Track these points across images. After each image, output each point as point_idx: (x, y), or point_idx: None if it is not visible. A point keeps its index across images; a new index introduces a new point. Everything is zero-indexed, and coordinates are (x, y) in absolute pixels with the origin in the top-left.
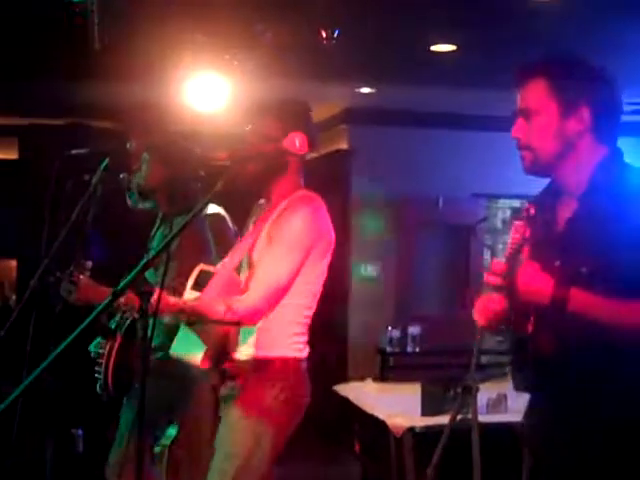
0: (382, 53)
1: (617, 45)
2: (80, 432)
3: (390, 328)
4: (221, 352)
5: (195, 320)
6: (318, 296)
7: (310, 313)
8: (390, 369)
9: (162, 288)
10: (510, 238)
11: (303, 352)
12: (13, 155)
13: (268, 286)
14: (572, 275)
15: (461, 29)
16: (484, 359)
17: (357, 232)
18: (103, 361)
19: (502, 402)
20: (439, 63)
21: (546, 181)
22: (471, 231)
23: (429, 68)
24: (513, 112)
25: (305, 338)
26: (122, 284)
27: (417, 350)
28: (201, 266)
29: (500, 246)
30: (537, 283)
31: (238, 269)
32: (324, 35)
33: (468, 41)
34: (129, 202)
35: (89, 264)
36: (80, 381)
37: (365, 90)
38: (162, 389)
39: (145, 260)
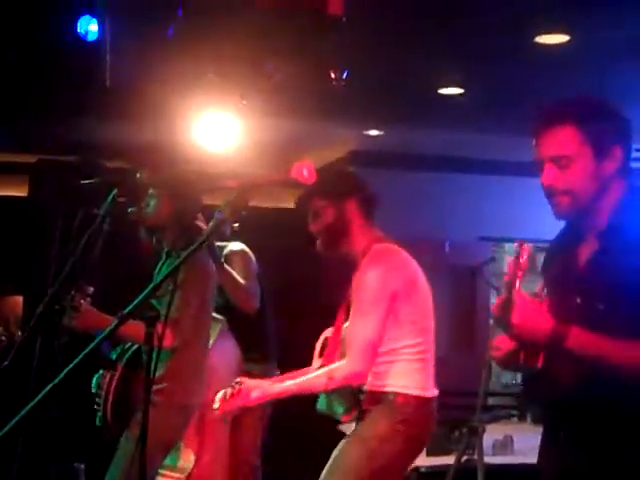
0: (390, 95)
1: (626, 89)
2: (82, 466)
3: None
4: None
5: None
6: (426, 332)
7: (419, 349)
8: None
9: (167, 319)
10: (505, 275)
11: (426, 391)
12: (23, 192)
13: (359, 347)
14: (589, 312)
15: (468, 73)
16: (490, 400)
17: None
18: (103, 393)
19: (508, 444)
20: (446, 106)
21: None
22: (477, 273)
23: (436, 111)
24: (538, 159)
25: (427, 376)
26: (127, 310)
27: None
28: (326, 333)
29: None
30: (533, 320)
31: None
32: (333, 76)
33: (475, 85)
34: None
35: (90, 289)
36: (83, 414)
37: (373, 132)
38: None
39: (150, 286)
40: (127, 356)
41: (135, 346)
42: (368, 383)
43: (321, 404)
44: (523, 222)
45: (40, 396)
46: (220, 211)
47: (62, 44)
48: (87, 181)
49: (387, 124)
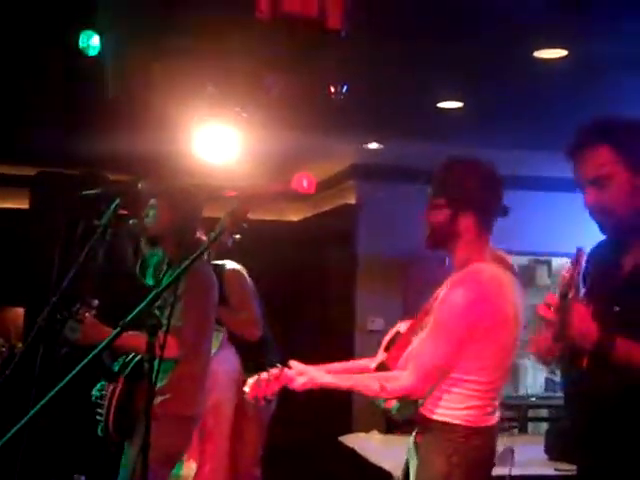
0: (389, 109)
1: (624, 103)
2: (83, 478)
3: None
4: None
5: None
6: (500, 370)
7: (486, 387)
8: (396, 421)
9: (168, 330)
10: (561, 278)
11: (478, 422)
12: (24, 205)
13: (424, 368)
14: (627, 321)
15: (467, 86)
16: None
17: (363, 286)
18: (105, 403)
19: (509, 456)
20: (446, 120)
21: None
22: None
23: (436, 125)
24: (577, 181)
25: (484, 409)
26: (129, 318)
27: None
28: (400, 327)
29: None
30: (586, 326)
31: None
32: (333, 90)
33: (474, 99)
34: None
35: (95, 302)
36: (84, 425)
37: (373, 146)
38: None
39: (151, 296)
40: (129, 368)
41: (137, 358)
42: (429, 409)
43: None
44: (522, 234)
45: (39, 405)
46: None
47: (63, 58)
48: (88, 192)
49: (387, 137)
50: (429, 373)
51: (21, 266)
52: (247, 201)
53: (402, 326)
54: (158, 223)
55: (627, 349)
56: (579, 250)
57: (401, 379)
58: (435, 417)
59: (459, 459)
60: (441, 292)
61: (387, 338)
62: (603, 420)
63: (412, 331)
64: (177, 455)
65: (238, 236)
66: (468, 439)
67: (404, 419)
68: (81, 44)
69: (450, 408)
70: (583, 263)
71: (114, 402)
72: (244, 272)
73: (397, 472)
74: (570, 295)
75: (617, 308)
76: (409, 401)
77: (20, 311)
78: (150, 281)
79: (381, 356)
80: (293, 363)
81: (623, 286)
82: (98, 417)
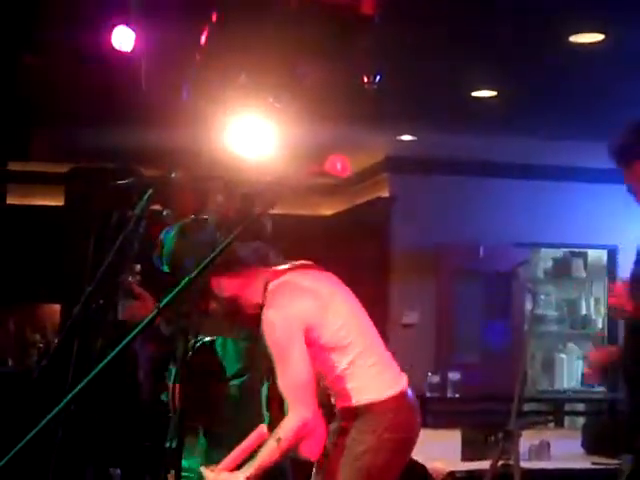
0: (422, 99)
1: None
2: (118, 472)
3: (430, 374)
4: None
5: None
6: (369, 327)
7: (372, 350)
8: (430, 414)
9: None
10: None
11: (394, 388)
12: (59, 202)
13: (293, 394)
14: None
15: (501, 74)
16: (526, 407)
17: (397, 279)
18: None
19: (545, 449)
20: (480, 109)
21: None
22: (513, 275)
23: (470, 115)
24: (627, 185)
25: (391, 373)
26: (165, 301)
27: (457, 396)
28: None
29: (542, 296)
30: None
31: None
32: (365, 80)
33: (509, 87)
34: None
35: (138, 267)
36: (120, 420)
37: (406, 137)
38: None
39: (187, 279)
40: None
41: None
42: (337, 403)
43: None
44: (557, 227)
45: (70, 395)
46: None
47: (98, 55)
48: (121, 182)
49: (420, 129)
50: (300, 394)
51: (57, 263)
52: (283, 182)
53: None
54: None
55: None
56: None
57: (286, 420)
58: (359, 404)
59: (390, 434)
60: None
61: (264, 400)
62: None
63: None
64: None
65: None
66: (396, 411)
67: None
68: (115, 41)
69: (363, 391)
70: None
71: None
72: None
73: (431, 464)
74: None
75: None
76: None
77: (56, 308)
78: (166, 269)
79: (267, 416)
80: (207, 474)
81: None
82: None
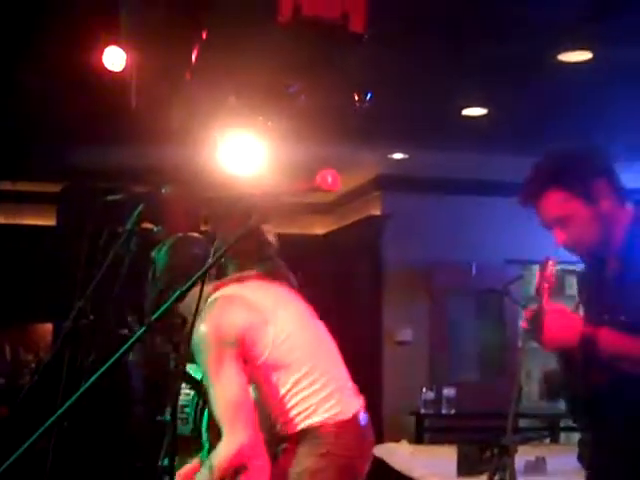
0: (413, 118)
1: None
2: None
3: (424, 390)
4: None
5: None
6: (317, 347)
7: (320, 371)
8: (425, 430)
9: (193, 323)
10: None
11: (344, 413)
12: (51, 221)
13: (226, 415)
14: (614, 325)
15: (491, 93)
16: (522, 423)
17: (390, 297)
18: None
19: (541, 465)
20: (471, 128)
21: None
22: (505, 292)
23: (461, 133)
24: (544, 225)
25: (340, 397)
26: (154, 317)
27: (452, 412)
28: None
29: None
30: (564, 327)
31: None
32: (357, 98)
33: (499, 105)
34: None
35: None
36: (112, 440)
37: (397, 156)
38: None
39: (177, 293)
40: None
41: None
42: (280, 428)
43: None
44: (550, 244)
45: (60, 411)
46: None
47: (89, 75)
48: (112, 197)
49: (411, 147)
50: (233, 415)
51: (49, 282)
52: (271, 199)
53: None
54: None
55: (611, 339)
56: (546, 259)
57: (220, 445)
58: (300, 427)
59: (330, 459)
60: None
61: (204, 422)
62: (602, 414)
63: None
64: None
65: None
66: (340, 436)
67: None
68: (106, 61)
69: (307, 414)
70: (552, 271)
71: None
72: None
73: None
74: (543, 300)
75: (606, 317)
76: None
77: (49, 327)
78: (159, 285)
79: (206, 440)
80: None
81: (607, 295)
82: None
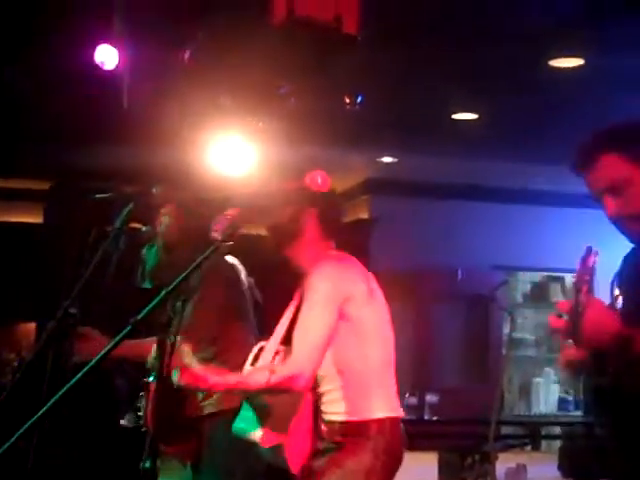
0: (403, 121)
1: None
2: None
3: (407, 396)
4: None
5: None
6: (390, 344)
7: (387, 362)
8: (407, 436)
9: (179, 324)
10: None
11: (397, 410)
12: (39, 219)
13: (306, 346)
14: None
15: (482, 97)
16: (504, 430)
17: None
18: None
19: (522, 472)
20: (461, 132)
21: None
22: (491, 297)
23: (451, 137)
24: (594, 195)
25: (394, 392)
26: (140, 316)
27: (434, 418)
28: (262, 344)
29: (520, 320)
30: (603, 323)
31: (285, 341)
32: (347, 101)
33: (489, 110)
34: (145, 259)
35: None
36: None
37: (387, 160)
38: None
39: (162, 294)
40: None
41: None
42: (340, 413)
43: (238, 425)
44: (536, 250)
45: (47, 406)
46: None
47: (80, 72)
48: (101, 196)
49: (401, 151)
50: (312, 351)
51: (34, 281)
52: (260, 198)
53: (266, 343)
54: (171, 230)
55: None
56: (589, 249)
57: (287, 363)
58: (363, 418)
59: (385, 458)
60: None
61: (251, 355)
62: (630, 429)
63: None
64: None
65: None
66: (392, 436)
67: (273, 463)
68: (98, 58)
69: (372, 406)
70: (594, 262)
71: (150, 406)
72: (240, 268)
73: None
74: (582, 293)
75: None
76: (278, 448)
77: (32, 326)
78: (148, 284)
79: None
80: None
81: None
82: (139, 412)
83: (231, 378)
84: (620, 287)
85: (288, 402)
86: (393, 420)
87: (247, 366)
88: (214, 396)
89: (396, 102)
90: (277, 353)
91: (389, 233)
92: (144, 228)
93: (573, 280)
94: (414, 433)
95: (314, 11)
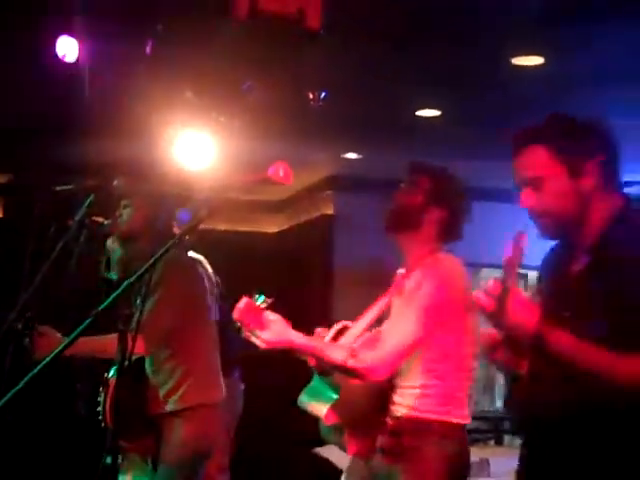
0: (367, 118)
1: (603, 111)
2: None
3: None
4: (356, 412)
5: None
6: (471, 358)
7: (467, 376)
8: None
9: (141, 313)
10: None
11: (466, 417)
12: None
13: (396, 343)
14: (577, 325)
15: (445, 94)
16: (467, 425)
17: (341, 295)
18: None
19: (485, 467)
20: (424, 129)
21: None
22: None
23: (414, 134)
24: (517, 183)
25: (464, 403)
26: (101, 308)
27: None
28: (345, 323)
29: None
30: (524, 314)
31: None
32: (311, 97)
33: (452, 107)
34: (110, 252)
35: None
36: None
37: (351, 156)
38: None
39: (123, 285)
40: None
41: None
42: (407, 406)
43: (306, 396)
44: (498, 248)
45: (6, 398)
46: (189, 210)
47: (40, 64)
48: (62, 187)
49: (364, 147)
50: (399, 349)
51: None
52: (223, 191)
53: (352, 323)
54: (133, 221)
55: (563, 341)
56: (519, 233)
57: (373, 353)
58: (431, 417)
59: (457, 460)
60: (407, 283)
61: (333, 331)
62: (541, 431)
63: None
64: (210, 447)
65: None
66: (462, 439)
67: (332, 442)
68: (59, 51)
69: (440, 405)
70: (524, 246)
71: (109, 402)
72: (203, 262)
73: None
74: (509, 281)
75: (567, 314)
76: (338, 427)
77: None
78: (114, 276)
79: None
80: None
81: (571, 291)
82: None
83: (313, 342)
84: (539, 282)
85: (360, 392)
86: (461, 426)
87: (326, 339)
88: (177, 394)
89: (360, 98)
90: (360, 337)
91: (353, 229)
92: (105, 221)
93: (503, 263)
94: None
95: (277, 5)
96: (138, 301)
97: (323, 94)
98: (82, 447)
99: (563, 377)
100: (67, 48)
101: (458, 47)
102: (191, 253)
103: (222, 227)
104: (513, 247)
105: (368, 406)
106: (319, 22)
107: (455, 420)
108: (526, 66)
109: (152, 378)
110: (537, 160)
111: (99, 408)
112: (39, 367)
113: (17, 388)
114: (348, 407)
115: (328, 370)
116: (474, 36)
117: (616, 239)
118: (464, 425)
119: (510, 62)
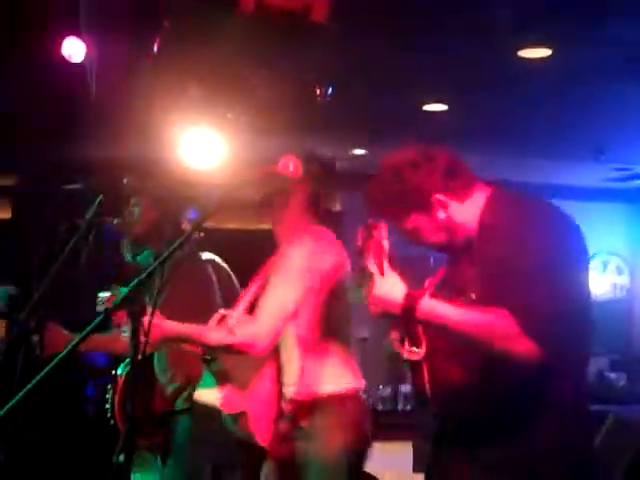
0: (374, 112)
1: (609, 102)
2: None
3: (381, 387)
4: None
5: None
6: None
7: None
8: (380, 427)
9: (153, 312)
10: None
11: (359, 380)
12: (6, 215)
13: (271, 314)
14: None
15: (452, 88)
16: None
17: None
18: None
19: None
20: (430, 124)
21: None
22: None
23: (421, 129)
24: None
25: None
26: (114, 303)
27: (408, 408)
28: (223, 312)
29: None
30: (388, 289)
31: (250, 310)
32: (318, 92)
33: (459, 101)
34: (125, 255)
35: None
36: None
37: (357, 152)
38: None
39: (135, 282)
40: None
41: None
42: (295, 392)
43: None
44: None
45: (14, 401)
46: (198, 207)
47: (47, 66)
48: (71, 186)
49: (371, 143)
50: (276, 319)
51: (3, 278)
52: (233, 188)
53: (230, 311)
54: (143, 220)
55: (431, 306)
56: (372, 222)
57: (249, 327)
58: (323, 393)
59: (353, 431)
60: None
61: (213, 322)
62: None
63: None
64: None
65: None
66: (357, 407)
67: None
68: (65, 52)
69: (332, 378)
70: (381, 233)
71: (118, 400)
72: (220, 263)
73: (382, 476)
74: (366, 259)
75: (473, 296)
76: (241, 417)
77: (2, 323)
78: (131, 259)
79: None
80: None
81: (468, 277)
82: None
83: (188, 328)
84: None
85: (250, 366)
86: (354, 391)
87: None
88: (185, 392)
89: (366, 93)
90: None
91: (359, 225)
92: (115, 220)
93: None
94: (389, 423)
95: (283, 0)
96: (149, 299)
97: (330, 90)
98: (91, 447)
99: (458, 348)
100: (73, 49)
101: (464, 40)
102: (207, 255)
103: (228, 225)
104: (363, 236)
105: (263, 389)
106: (325, 16)
107: (344, 390)
108: (534, 58)
109: (160, 376)
110: (406, 223)
111: (107, 406)
112: (52, 364)
113: (30, 385)
114: (242, 387)
115: (214, 358)
116: (480, 28)
117: (487, 223)
118: (357, 391)
119: (517, 54)
